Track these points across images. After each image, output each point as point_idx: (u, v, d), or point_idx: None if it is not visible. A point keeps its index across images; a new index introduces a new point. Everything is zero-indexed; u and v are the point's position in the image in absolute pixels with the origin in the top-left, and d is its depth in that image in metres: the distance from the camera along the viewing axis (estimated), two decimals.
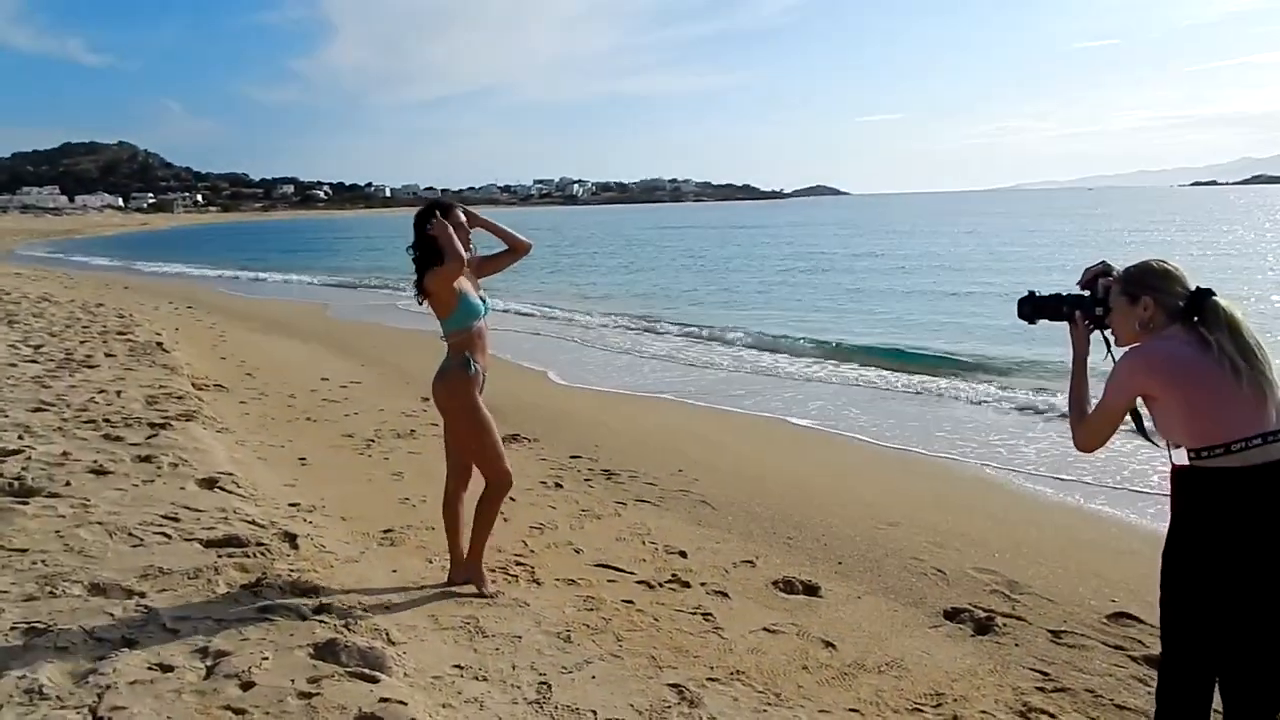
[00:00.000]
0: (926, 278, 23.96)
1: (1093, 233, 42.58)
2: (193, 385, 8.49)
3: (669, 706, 3.05)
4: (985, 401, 8.92)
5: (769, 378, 10.85)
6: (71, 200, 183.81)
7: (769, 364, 11.70)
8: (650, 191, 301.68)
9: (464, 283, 3.99)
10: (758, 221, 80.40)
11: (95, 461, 5.34)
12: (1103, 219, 58.77)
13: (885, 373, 10.65)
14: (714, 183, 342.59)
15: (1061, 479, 6.27)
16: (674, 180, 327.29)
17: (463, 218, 3.97)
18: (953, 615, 4.02)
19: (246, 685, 2.83)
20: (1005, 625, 3.89)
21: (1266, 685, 2.28)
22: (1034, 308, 2.76)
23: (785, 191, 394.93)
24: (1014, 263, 27.98)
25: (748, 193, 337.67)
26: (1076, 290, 2.67)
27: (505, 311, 16.81)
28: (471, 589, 3.99)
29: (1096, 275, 2.62)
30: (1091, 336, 2.62)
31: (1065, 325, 2.68)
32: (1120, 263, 2.60)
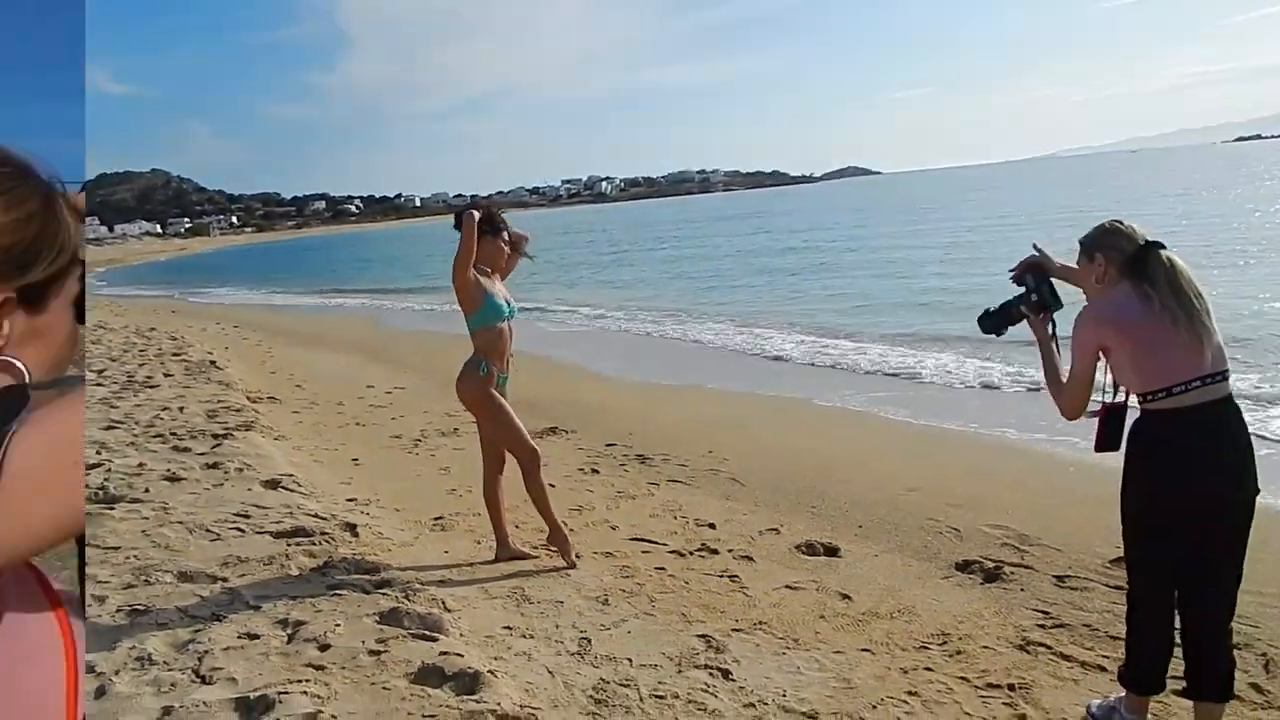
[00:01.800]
0: (967, 266, 22.98)
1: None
2: (247, 398, 9.00)
3: (697, 653, 3.39)
4: (1005, 379, 9.07)
5: (789, 362, 11.11)
6: (111, 230, 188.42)
7: (796, 348, 11.94)
8: (678, 184, 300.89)
9: (493, 284, 4.34)
10: (795, 207, 79.69)
11: (168, 470, 5.83)
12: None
13: (911, 357, 10.68)
14: (742, 171, 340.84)
15: (1077, 442, 6.46)
16: (702, 171, 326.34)
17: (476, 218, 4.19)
18: (964, 567, 4.30)
19: (324, 647, 3.24)
20: (1013, 573, 4.17)
21: (1212, 601, 2.56)
22: (994, 322, 3.04)
23: (815, 175, 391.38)
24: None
25: (777, 179, 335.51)
26: (1014, 290, 2.95)
27: (533, 311, 17.19)
28: (516, 564, 4.36)
29: (1027, 268, 2.91)
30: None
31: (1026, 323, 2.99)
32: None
